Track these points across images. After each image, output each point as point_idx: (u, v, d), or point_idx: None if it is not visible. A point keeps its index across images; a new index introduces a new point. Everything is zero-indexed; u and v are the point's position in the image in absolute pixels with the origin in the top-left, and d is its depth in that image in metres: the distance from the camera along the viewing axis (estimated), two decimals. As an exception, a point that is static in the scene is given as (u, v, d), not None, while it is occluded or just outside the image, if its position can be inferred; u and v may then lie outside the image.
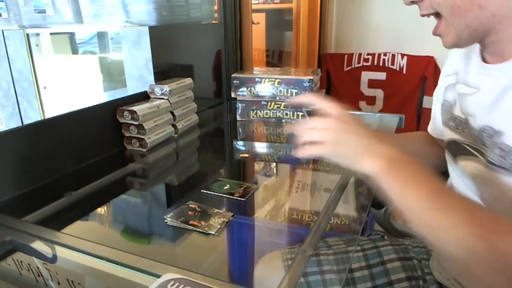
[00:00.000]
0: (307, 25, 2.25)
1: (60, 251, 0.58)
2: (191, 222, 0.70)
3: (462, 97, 0.61)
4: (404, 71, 2.31)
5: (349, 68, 2.46)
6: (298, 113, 1.29)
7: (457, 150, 0.62)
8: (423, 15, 0.58)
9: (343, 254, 0.75)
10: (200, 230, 0.67)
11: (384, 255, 0.75)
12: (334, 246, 0.77)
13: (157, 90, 1.13)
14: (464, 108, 0.60)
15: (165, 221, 0.70)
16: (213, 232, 0.67)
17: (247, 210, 0.81)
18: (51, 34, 1.58)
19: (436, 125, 0.78)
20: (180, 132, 1.19)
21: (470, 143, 0.59)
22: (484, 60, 0.59)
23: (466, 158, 0.60)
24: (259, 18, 2.33)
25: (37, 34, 1.52)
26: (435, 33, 0.58)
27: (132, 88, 1.22)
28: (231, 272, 0.68)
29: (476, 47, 0.60)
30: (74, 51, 1.72)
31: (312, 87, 1.25)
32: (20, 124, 1.59)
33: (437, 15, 0.56)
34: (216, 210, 0.74)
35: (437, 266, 0.69)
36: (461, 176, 0.63)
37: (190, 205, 0.76)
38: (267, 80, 1.28)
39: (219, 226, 0.68)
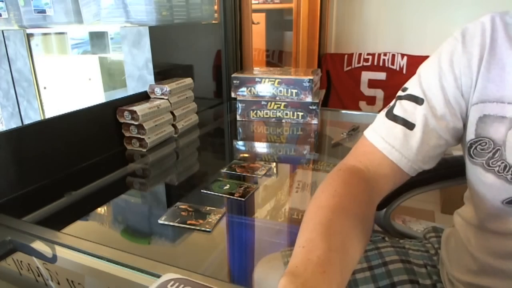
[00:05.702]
0: (307, 25, 2.25)
1: (60, 251, 0.58)
2: (189, 222, 0.70)
3: None
4: (404, 71, 2.31)
5: (349, 68, 2.46)
6: (298, 113, 1.29)
7: None
8: None
9: None
10: (200, 229, 0.67)
11: (385, 256, 0.74)
12: None
13: (157, 90, 1.13)
14: None
15: (159, 222, 0.71)
16: (210, 230, 0.67)
17: (247, 210, 0.81)
18: (50, 34, 1.59)
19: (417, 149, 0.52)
20: (180, 132, 1.19)
21: None
22: None
23: None
24: (259, 18, 2.33)
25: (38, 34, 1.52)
26: None
27: (132, 88, 1.22)
28: (231, 272, 0.68)
29: None
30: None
31: (312, 87, 1.25)
32: (20, 124, 1.59)
33: None
34: (209, 208, 0.75)
35: (449, 277, 0.67)
36: None
37: (180, 206, 0.76)
38: (267, 80, 1.28)
39: (215, 222, 0.69)
